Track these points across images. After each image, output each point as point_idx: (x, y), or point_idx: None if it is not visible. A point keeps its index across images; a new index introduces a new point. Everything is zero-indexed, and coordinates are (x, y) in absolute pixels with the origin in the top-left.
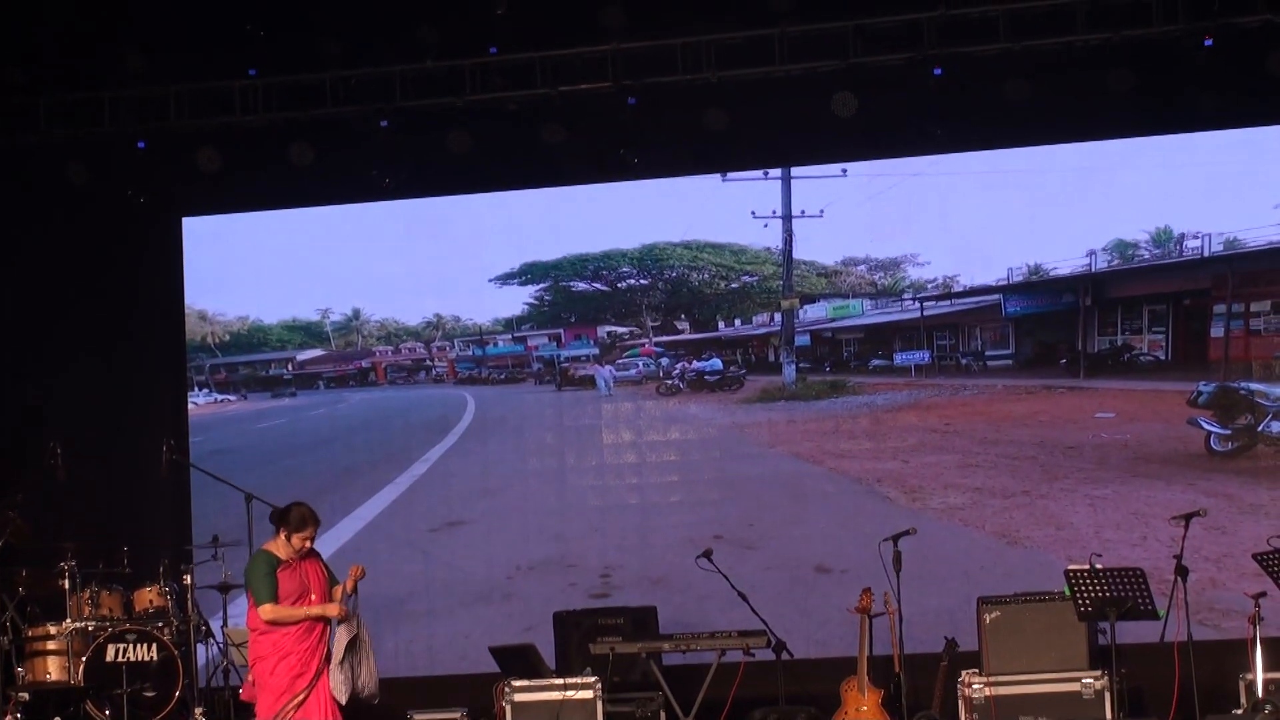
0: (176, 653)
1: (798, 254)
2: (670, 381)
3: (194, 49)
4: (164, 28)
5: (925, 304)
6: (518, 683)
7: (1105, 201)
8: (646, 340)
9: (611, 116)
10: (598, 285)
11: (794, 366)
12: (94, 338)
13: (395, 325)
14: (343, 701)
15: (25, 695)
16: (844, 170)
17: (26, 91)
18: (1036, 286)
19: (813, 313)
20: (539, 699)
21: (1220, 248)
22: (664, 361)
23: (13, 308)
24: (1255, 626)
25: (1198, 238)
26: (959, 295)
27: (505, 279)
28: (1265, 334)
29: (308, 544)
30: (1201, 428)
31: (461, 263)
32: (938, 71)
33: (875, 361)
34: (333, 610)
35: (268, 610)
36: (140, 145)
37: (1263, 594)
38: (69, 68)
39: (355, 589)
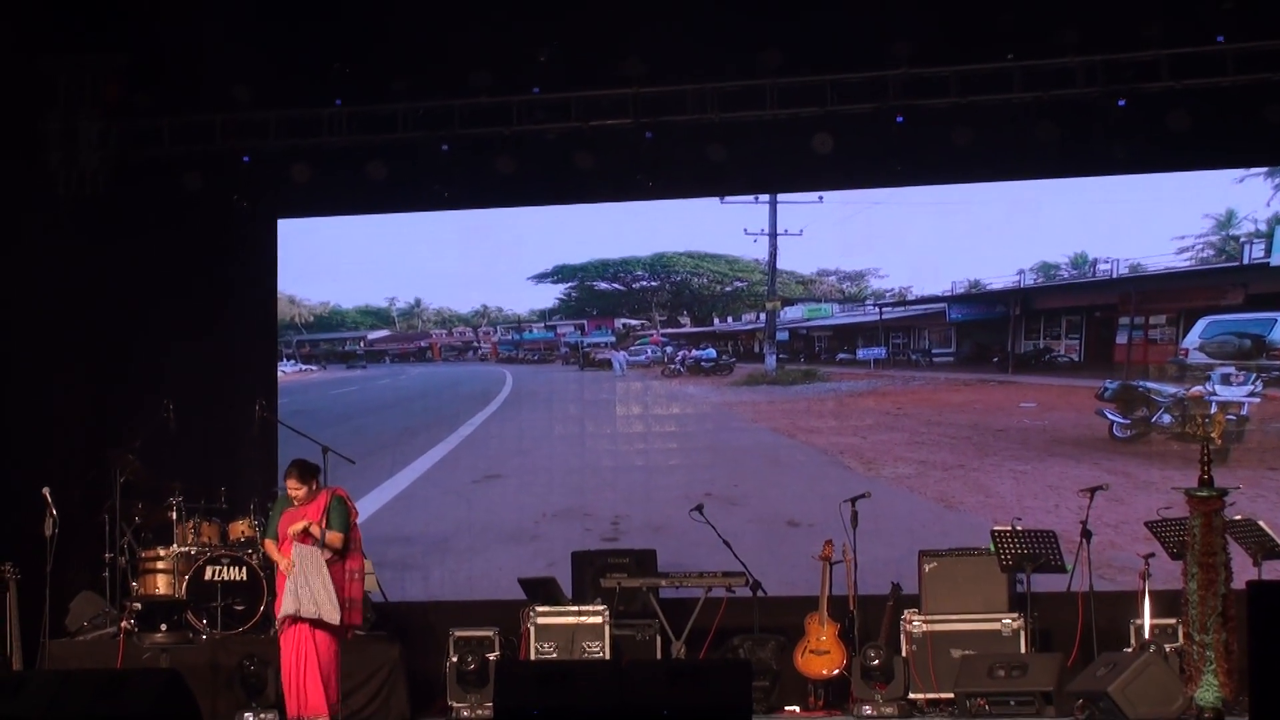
0: (261, 575)
1: (781, 265)
2: (673, 366)
3: (290, 82)
4: (266, 64)
5: (884, 309)
6: (540, 609)
7: (1033, 229)
8: (655, 331)
9: (631, 147)
10: (616, 285)
11: (775, 357)
12: (202, 316)
13: (449, 313)
14: (281, 614)
15: (139, 605)
16: (820, 198)
17: (152, 114)
18: (975, 298)
19: (791, 313)
20: (557, 623)
21: (1126, 271)
22: (668, 349)
23: (138, 291)
24: (1145, 581)
25: (1108, 262)
26: (911, 303)
27: (540, 278)
28: (1160, 343)
29: (293, 492)
30: (1106, 418)
31: (505, 263)
32: (899, 119)
33: (841, 355)
34: (272, 552)
35: (266, 545)
36: (245, 160)
37: (1151, 555)
38: (188, 95)
39: (306, 533)
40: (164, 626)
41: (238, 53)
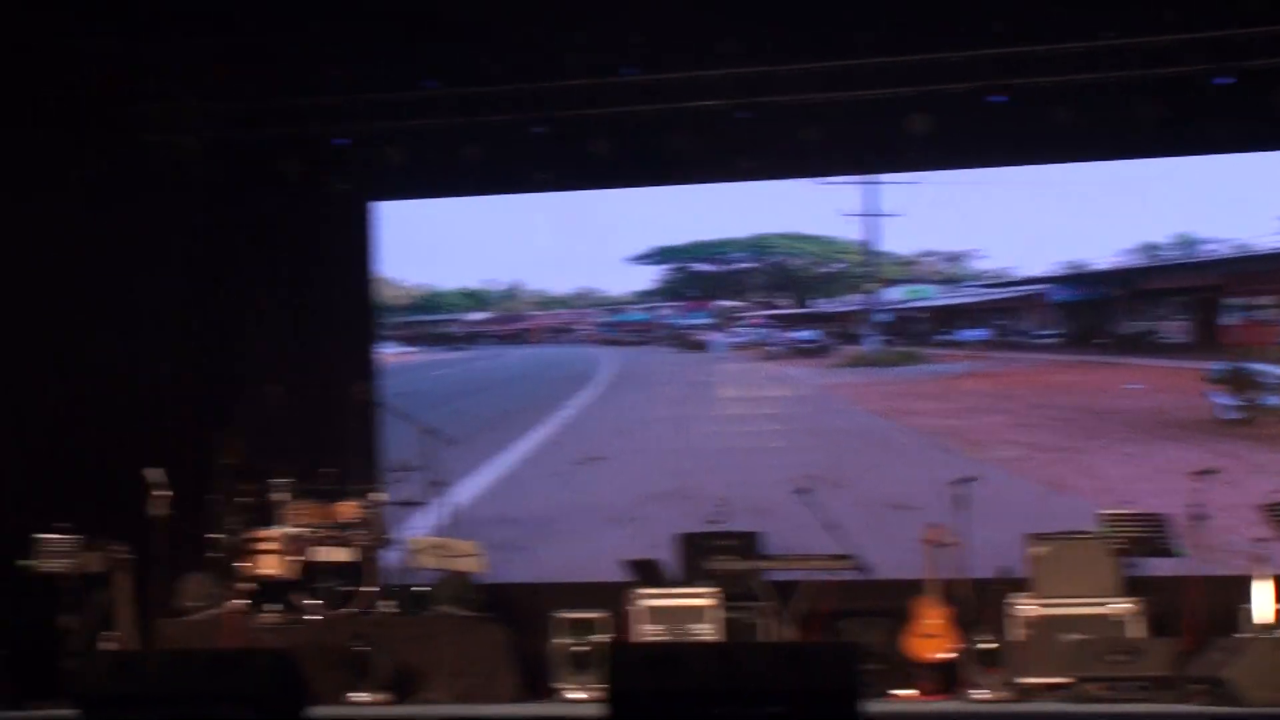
0: (368, 555)
1: (880, 246)
2: (773, 348)
3: (385, 65)
4: (362, 47)
5: (985, 290)
6: (647, 590)
7: (1135, 209)
8: (753, 313)
9: (727, 129)
10: (714, 266)
11: (875, 339)
12: (304, 299)
13: (548, 295)
14: None
15: (247, 586)
16: (920, 178)
17: (249, 98)
18: (1077, 278)
19: (891, 295)
20: (664, 605)
21: (1231, 251)
22: (768, 331)
23: (240, 276)
24: (1258, 565)
25: (1212, 242)
26: (1012, 284)
27: (638, 259)
28: (1267, 323)
29: None
30: (1214, 400)
31: (603, 245)
32: (998, 98)
33: (942, 336)
34: None
35: None
36: (341, 143)
37: (1265, 538)
38: (285, 78)
39: None
40: (271, 607)
41: (334, 36)
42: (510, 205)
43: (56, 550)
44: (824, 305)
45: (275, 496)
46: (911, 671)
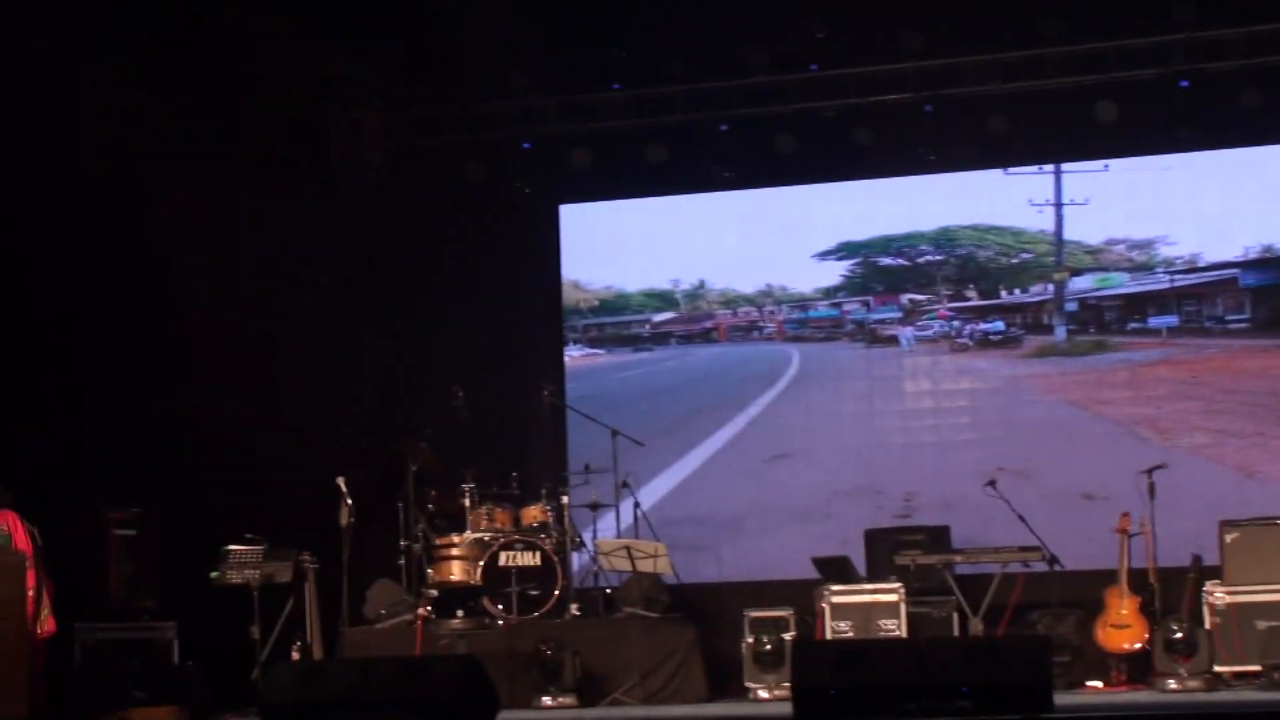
0: (556, 559)
1: (1067, 235)
2: (961, 340)
3: (568, 68)
4: (543, 51)
5: (1174, 276)
6: (835, 587)
7: None
8: (941, 305)
9: (911, 122)
10: (900, 260)
11: (1064, 328)
12: (489, 303)
13: (733, 293)
14: None
15: (434, 592)
16: (1106, 165)
17: (432, 104)
18: (1269, 262)
19: (1080, 283)
20: (852, 601)
21: None
22: (955, 323)
23: (424, 281)
24: None
25: None
26: (1203, 269)
27: (824, 255)
28: None
29: None
30: None
31: (788, 242)
32: (1184, 84)
33: (1132, 324)
34: None
35: None
36: (525, 147)
37: None
38: (467, 84)
39: None
40: (460, 613)
41: (515, 40)
42: (695, 204)
43: (245, 561)
44: (1012, 296)
45: (462, 502)
46: (1103, 663)
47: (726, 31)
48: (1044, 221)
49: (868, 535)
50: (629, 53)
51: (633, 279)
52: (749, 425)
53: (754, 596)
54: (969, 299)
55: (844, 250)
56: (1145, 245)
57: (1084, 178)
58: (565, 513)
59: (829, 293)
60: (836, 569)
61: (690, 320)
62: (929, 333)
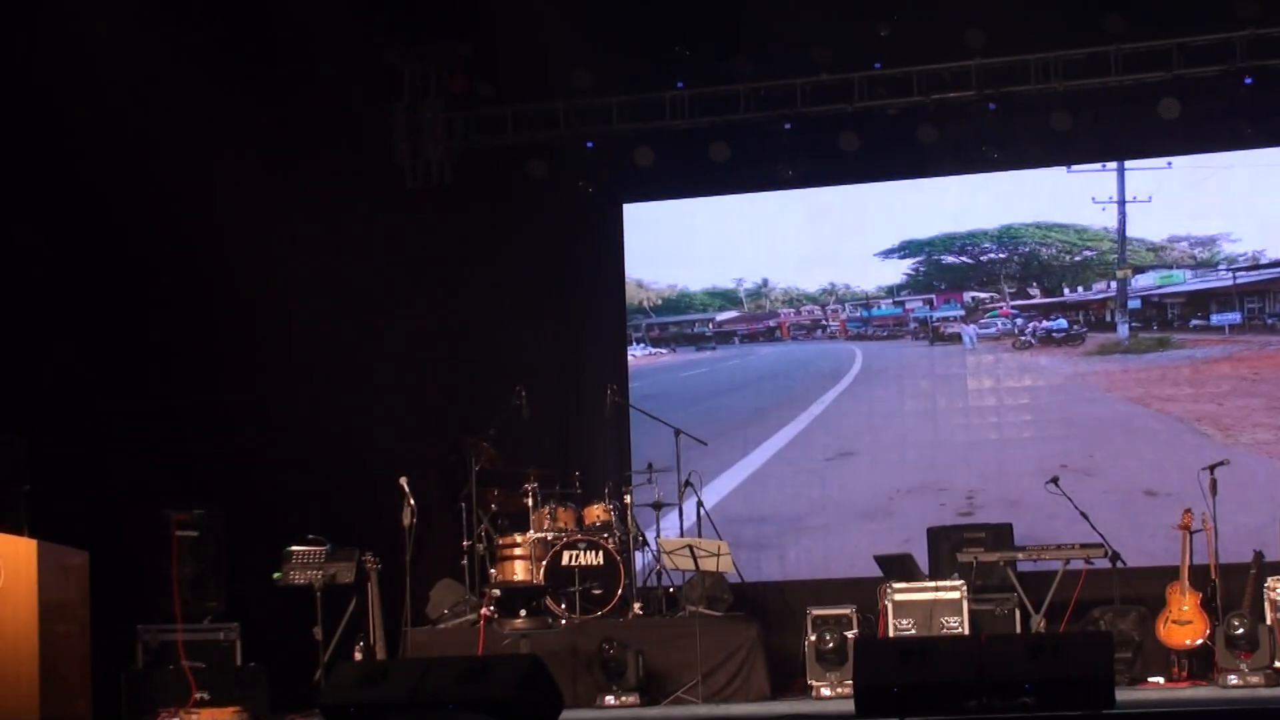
0: (619, 558)
1: (1130, 232)
2: (1024, 338)
3: (631, 66)
4: (607, 50)
5: (1237, 273)
6: (897, 585)
7: None
8: (1004, 303)
9: (975, 119)
10: (963, 258)
11: (1127, 326)
12: (552, 302)
13: (796, 292)
14: None
15: (497, 591)
16: (1169, 163)
17: (495, 103)
18: None
19: (1143, 281)
20: (915, 599)
21: None
22: (1018, 321)
23: (486, 280)
24: None
25: None
26: (1266, 266)
27: (887, 253)
28: None
29: None
30: None
31: (851, 240)
32: (1248, 81)
33: (1194, 321)
34: None
35: None
36: (588, 145)
37: None
38: (530, 82)
39: None
40: (523, 612)
41: (578, 39)
42: (758, 203)
43: (308, 562)
44: (1075, 294)
45: (525, 501)
46: (1165, 659)
47: (789, 30)
48: (1107, 219)
49: (930, 533)
50: (692, 51)
51: (696, 278)
52: (812, 424)
53: (816, 595)
54: (1032, 297)
55: (907, 248)
56: (1208, 242)
57: (1147, 175)
58: (628, 512)
59: (892, 291)
60: (899, 567)
61: (753, 319)
62: (992, 330)
